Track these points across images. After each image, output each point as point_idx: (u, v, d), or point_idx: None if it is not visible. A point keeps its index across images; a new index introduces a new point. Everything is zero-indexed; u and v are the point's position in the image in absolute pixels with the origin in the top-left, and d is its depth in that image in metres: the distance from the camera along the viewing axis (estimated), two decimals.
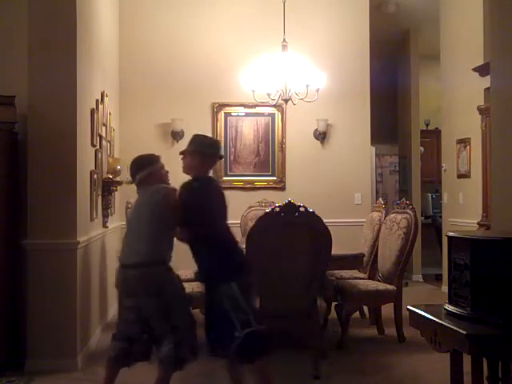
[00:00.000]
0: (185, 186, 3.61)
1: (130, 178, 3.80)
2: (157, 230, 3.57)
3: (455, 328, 2.44)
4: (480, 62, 6.54)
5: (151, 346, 3.60)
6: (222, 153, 3.92)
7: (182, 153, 3.73)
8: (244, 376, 3.68)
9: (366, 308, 6.02)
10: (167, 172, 3.82)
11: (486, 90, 6.12)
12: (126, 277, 3.55)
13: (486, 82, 5.52)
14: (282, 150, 7.41)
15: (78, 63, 4.57)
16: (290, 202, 4.23)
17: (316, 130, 7.42)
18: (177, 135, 7.19)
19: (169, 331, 3.49)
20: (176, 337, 3.52)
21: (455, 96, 7.54)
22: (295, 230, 4.23)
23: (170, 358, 3.53)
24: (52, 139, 4.49)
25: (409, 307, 2.90)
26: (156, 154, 3.87)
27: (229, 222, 3.67)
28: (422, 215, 9.35)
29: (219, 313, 3.45)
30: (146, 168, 3.69)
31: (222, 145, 7.32)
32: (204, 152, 3.64)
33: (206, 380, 4.35)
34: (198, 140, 3.74)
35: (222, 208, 3.58)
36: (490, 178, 4.34)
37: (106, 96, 5.89)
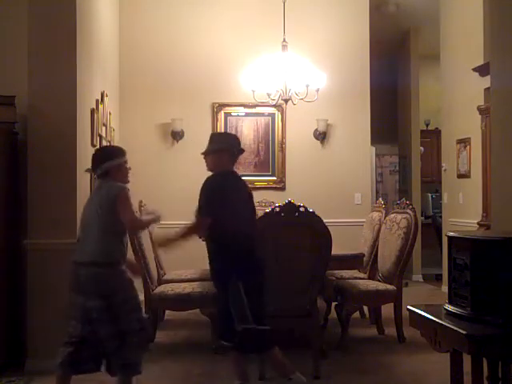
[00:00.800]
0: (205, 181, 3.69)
1: (90, 168, 3.72)
2: (106, 230, 3.48)
3: (455, 328, 2.44)
4: (480, 62, 6.53)
5: (100, 351, 3.49)
6: (239, 146, 3.90)
7: (203, 153, 3.79)
8: (247, 369, 3.76)
9: (366, 308, 6.02)
10: (129, 168, 3.75)
11: (486, 89, 6.12)
12: (77, 274, 3.48)
13: (486, 81, 5.52)
14: (282, 150, 7.41)
15: (78, 63, 4.57)
16: (289, 201, 4.23)
17: (316, 130, 7.42)
18: (177, 135, 7.20)
19: (115, 336, 3.41)
20: (124, 342, 3.44)
21: (455, 96, 7.54)
22: (295, 230, 4.22)
23: (122, 364, 3.45)
24: (52, 139, 4.49)
25: (409, 307, 2.89)
26: (123, 148, 3.82)
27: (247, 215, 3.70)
28: (422, 215, 9.36)
29: (224, 308, 3.60)
30: (112, 160, 3.62)
31: None
32: (223, 149, 3.71)
33: (206, 380, 4.34)
34: (217, 138, 3.85)
35: (231, 203, 3.58)
36: (490, 178, 4.34)
37: (106, 96, 5.89)
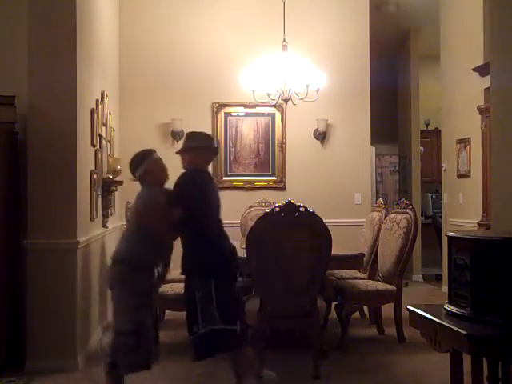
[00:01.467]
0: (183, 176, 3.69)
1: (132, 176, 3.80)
2: (129, 231, 3.70)
3: (455, 328, 2.44)
4: (480, 62, 6.53)
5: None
6: (215, 145, 3.96)
7: (178, 152, 3.81)
8: (245, 370, 3.69)
9: (366, 308, 6.02)
10: (164, 165, 3.78)
11: (486, 89, 6.12)
12: None
13: (486, 81, 5.52)
14: (282, 150, 7.41)
15: (78, 63, 4.57)
16: (290, 201, 4.23)
17: (316, 130, 7.42)
18: (177, 135, 7.19)
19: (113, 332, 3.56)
20: (114, 340, 3.54)
21: (455, 96, 7.54)
22: (295, 230, 4.23)
23: (108, 361, 3.56)
24: (52, 139, 4.49)
25: (409, 307, 2.89)
26: (150, 148, 3.84)
27: (218, 216, 3.70)
28: (422, 215, 9.36)
29: (190, 305, 3.60)
30: (141, 165, 3.70)
31: (222, 145, 7.33)
32: (196, 147, 3.73)
33: (206, 380, 4.35)
34: (190, 137, 3.84)
35: (204, 200, 3.59)
36: (490, 178, 4.34)
37: (106, 96, 5.89)
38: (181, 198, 3.57)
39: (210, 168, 7.18)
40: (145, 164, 3.69)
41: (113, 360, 3.54)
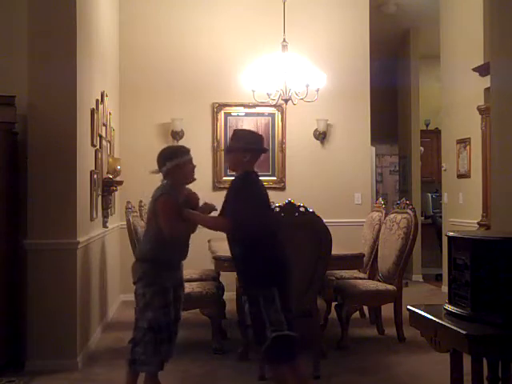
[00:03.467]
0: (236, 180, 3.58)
1: (156, 168, 3.78)
2: (148, 230, 3.73)
3: (455, 328, 2.44)
4: (480, 62, 6.54)
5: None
6: (266, 146, 3.84)
7: (227, 150, 3.69)
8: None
9: (366, 308, 6.02)
10: (194, 167, 3.76)
11: (486, 89, 6.12)
12: None
13: (486, 81, 5.52)
14: (282, 150, 7.41)
15: (78, 63, 4.57)
16: (290, 201, 4.23)
17: (316, 130, 7.42)
18: (177, 135, 7.20)
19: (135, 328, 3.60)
20: (135, 336, 3.58)
21: (455, 96, 7.54)
22: (295, 230, 4.22)
23: (129, 356, 3.59)
24: (52, 139, 4.48)
25: (409, 307, 2.89)
26: (186, 147, 3.81)
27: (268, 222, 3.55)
28: (421, 215, 9.35)
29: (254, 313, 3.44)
30: (173, 160, 3.67)
31: (222, 145, 7.33)
32: (247, 148, 3.54)
33: (206, 380, 4.35)
34: (240, 136, 3.70)
35: (251, 205, 3.42)
36: (490, 177, 4.34)
37: (106, 96, 5.89)
38: (235, 203, 3.44)
39: (211, 168, 7.25)
40: (177, 160, 3.66)
41: (132, 356, 3.57)
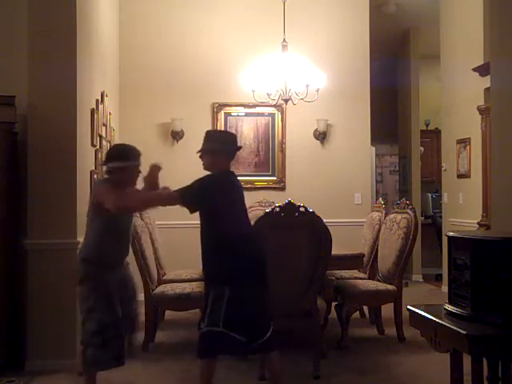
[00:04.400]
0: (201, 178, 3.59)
1: (102, 161, 3.71)
2: (89, 226, 3.62)
3: (455, 328, 2.44)
4: (480, 62, 6.54)
5: None
6: (239, 144, 3.82)
7: (199, 152, 3.67)
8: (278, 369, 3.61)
9: (366, 308, 6.02)
10: (139, 173, 3.67)
11: (486, 89, 6.12)
12: None
13: (486, 81, 5.52)
14: (282, 150, 7.41)
15: (78, 63, 4.57)
16: (290, 202, 4.23)
17: (316, 130, 7.42)
18: (177, 135, 7.20)
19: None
20: (83, 339, 3.54)
21: (455, 96, 7.54)
22: (295, 230, 4.22)
23: (81, 359, 3.57)
24: (52, 139, 4.49)
25: (409, 307, 2.89)
26: (138, 150, 3.67)
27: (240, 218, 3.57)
28: (421, 215, 9.36)
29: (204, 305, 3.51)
30: (121, 161, 3.55)
31: None
32: (221, 149, 3.59)
33: None
34: (213, 137, 3.72)
35: (225, 204, 3.47)
36: (490, 177, 4.34)
37: (106, 96, 5.89)
38: (196, 191, 3.49)
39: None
40: (121, 163, 3.54)
41: (83, 358, 3.55)
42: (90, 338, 3.50)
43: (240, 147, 3.83)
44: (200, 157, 3.65)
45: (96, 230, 3.56)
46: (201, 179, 3.53)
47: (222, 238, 3.47)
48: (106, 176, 3.67)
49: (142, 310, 5.15)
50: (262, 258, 3.56)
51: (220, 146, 3.61)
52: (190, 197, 3.49)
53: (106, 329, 3.50)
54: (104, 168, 3.65)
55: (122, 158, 3.57)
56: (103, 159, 3.67)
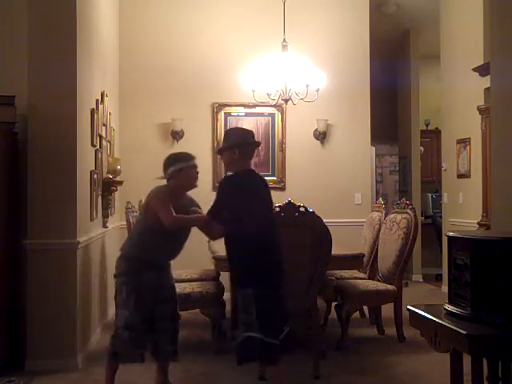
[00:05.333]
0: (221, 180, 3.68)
1: (162, 175, 3.82)
2: (140, 229, 3.77)
3: (455, 328, 2.44)
4: (480, 61, 6.54)
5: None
6: (243, 141, 3.65)
7: (218, 152, 3.73)
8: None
9: (366, 308, 6.01)
10: (197, 173, 3.80)
11: (486, 89, 6.12)
12: None
13: (486, 82, 5.52)
14: (282, 150, 7.41)
15: (78, 63, 4.57)
16: (290, 202, 4.23)
17: (316, 130, 7.42)
18: (177, 135, 7.20)
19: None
20: (115, 330, 3.71)
21: (455, 96, 7.54)
22: (295, 230, 4.22)
23: (110, 348, 3.74)
24: (52, 139, 4.49)
25: (409, 307, 2.89)
26: (191, 154, 3.87)
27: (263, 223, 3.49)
28: (421, 215, 9.35)
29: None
30: (176, 165, 3.73)
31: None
32: (234, 144, 3.56)
33: (206, 380, 4.34)
34: (227, 135, 3.77)
35: (245, 205, 3.42)
36: (490, 177, 4.34)
37: (106, 96, 5.89)
38: (215, 203, 3.53)
39: (211, 168, 7.24)
40: (180, 164, 3.73)
41: (112, 349, 3.71)
42: (117, 330, 3.69)
43: (258, 143, 3.76)
44: (220, 158, 3.74)
45: (143, 229, 3.71)
46: (218, 187, 3.58)
47: (241, 240, 3.43)
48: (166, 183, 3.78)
49: None
50: (280, 258, 3.52)
51: (233, 144, 3.56)
52: (216, 214, 3.52)
53: (132, 326, 3.63)
54: (165, 177, 3.78)
55: (176, 162, 3.75)
56: (163, 171, 3.80)
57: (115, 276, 3.79)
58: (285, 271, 3.55)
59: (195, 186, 3.80)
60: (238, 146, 3.54)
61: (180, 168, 3.72)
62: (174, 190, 3.72)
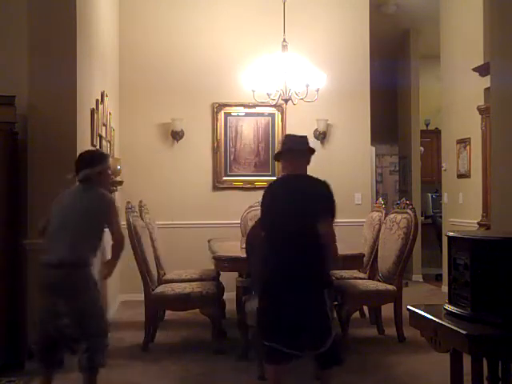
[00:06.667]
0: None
1: (73, 173, 3.63)
2: (90, 233, 3.51)
3: (455, 328, 2.44)
4: (480, 62, 6.54)
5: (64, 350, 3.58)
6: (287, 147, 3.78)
7: (280, 154, 3.79)
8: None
9: (366, 308, 6.01)
10: (111, 175, 3.80)
11: (486, 89, 6.12)
12: (48, 275, 3.46)
13: (486, 82, 5.52)
14: None
15: (78, 63, 4.57)
16: None
17: (316, 129, 7.42)
18: (177, 135, 7.20)
19: (83, 338, 3.44)
20: (91, 345, 3.46)
21: (455, 96, 7.54)
22: None
23: (88, 367, 3.50)
24: (52, 139, 4.49)
25: (409, 307, 2.89)
26: (105, 153, 3.77)
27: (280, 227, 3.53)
28: (421, 215, 9.35)
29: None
30: (96, 166, 3.56)
31: (222, 145, 7.34)
32: (283, 152, 3.74)
33: (206, 380, 4.34)
34: (292, 140, 3.82)
35: (265, 210, 3.65)
36: (490, 178, 4.34)
37: (106, 96, 5.89)
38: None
39: (211, 168, 7.25)
40: (101, 166, 3.58)
41: (98, 365, 3.54)
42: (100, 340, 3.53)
43: (313, 150, 3.85)
44: (281, 160, 3.84)
45: (98, 231, 3.57)
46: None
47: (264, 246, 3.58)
48: (82, 184, 3.59)
49: (141, 310, 5.19)
50: (284, 271, 3.47)
51: (282, 149, 3.76)
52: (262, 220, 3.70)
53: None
54: (79, 177, 3.56)
55: (94, 163, 3.57)
56: (76, 169, 3.59)
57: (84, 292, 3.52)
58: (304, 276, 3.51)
59: (110, 189, 3.73)
60: (285, 152, 3.70)
61: (100, 171, 3.57)
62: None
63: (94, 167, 3.55)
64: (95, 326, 3.47)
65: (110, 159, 3.70)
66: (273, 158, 3.90)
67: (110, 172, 3.72)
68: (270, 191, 3.69)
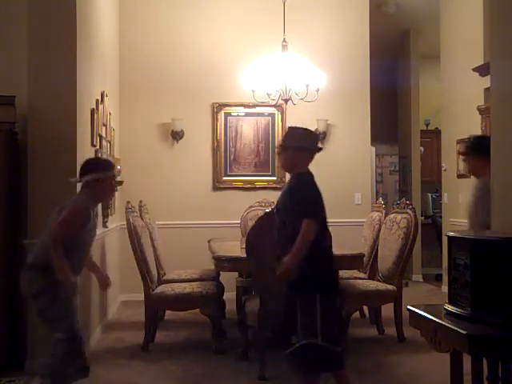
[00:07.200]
0: (295, 182, 3.49)
1: (76, 177, 3.66)
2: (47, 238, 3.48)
3: (455, 328, 2.44)
4: (480, 62, 6.53)
5: None
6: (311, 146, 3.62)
7: (279, 147, 3.55)
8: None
9: (366, 308, 6.01)
10: (115, 184, 3.69)
11: (486, 89, 6.12)
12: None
13: (486, 82, 5.51)
14: None
15: (78, 63, 4.57)
16: None
17: (316, 130, 7.42)
18: (177, 135, 7.20)
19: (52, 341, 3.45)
20: (56, 349, 3.47)
21: (455, 96, 7.54)
22: None
23: (49, 373, 3.49)
24: (52, 139, 4.49)
25: (409, 307, 2.89)
26: (111, 162, 3.73)
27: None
28: (422, 215, 9.35)
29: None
30: (94, 173, 3.52)
31: (222, 145, 7.34)
32: (305, 146, 3.49)
33: (206, 380, 4.34)
34: (296, 133, 3.65)
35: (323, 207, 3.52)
36: (490, 178, 4.33)
37: (106, 96, 5.89)
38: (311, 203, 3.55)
39: (211, 168, 7.25)
40: (97, 174, 3.51)
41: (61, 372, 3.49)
42: (62, 347, 3.54)
43: (320, 148, 3.67)
44: (278, 153, 3.52)
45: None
46: (303, 190, 3.48)
47: (316, 247, 3.39)
48: (82, 191, 3.60)
49: (141, 310, 5.19)
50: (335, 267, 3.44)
51: (304, 144, 3.47)
52: (315, 211, 3.52)
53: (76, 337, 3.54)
54: (80, 182, 3.59)
55: (98, 169, 3.56)
56: (79, 175, 3.60)
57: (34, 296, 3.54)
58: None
59: (113, 196, 3.69)
60: (305, 149, 3.54)
61: (97, 177, 3.51)
62: (92, 198, 3.54)
63: (91, 174, 3.52)
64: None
65: (115, 169, 3.67)
66: (286, 148, 3.59)
67: (112, 182, 3.64)
68: (312, 187, 3.55)
